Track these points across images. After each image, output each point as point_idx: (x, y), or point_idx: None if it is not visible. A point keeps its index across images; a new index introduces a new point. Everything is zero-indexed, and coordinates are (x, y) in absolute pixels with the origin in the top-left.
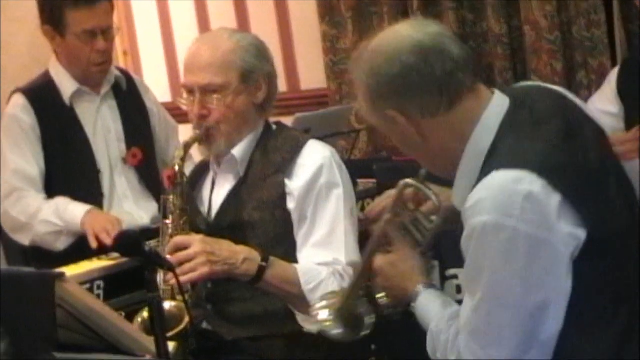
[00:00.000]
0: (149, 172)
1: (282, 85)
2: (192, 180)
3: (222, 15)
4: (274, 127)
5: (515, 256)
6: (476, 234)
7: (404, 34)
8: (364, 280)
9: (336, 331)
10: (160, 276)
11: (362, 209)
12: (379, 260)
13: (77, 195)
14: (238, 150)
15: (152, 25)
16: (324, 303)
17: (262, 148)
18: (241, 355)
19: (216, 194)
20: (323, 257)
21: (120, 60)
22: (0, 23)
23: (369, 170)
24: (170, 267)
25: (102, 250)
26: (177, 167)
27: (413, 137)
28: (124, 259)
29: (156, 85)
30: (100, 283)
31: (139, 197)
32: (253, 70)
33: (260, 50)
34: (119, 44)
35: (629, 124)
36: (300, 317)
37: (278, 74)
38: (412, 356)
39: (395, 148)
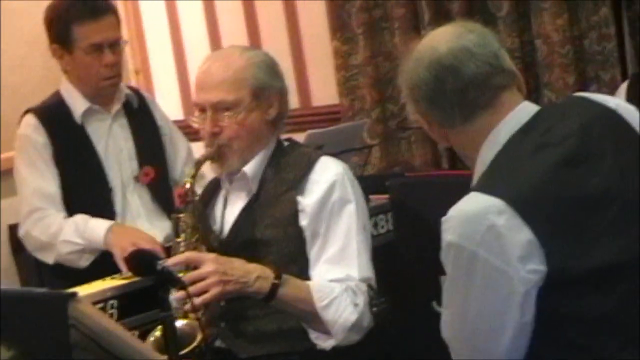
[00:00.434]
0: (161, 190)
1: (294, 102)
2: (204, 198)
3: (234, 33)
4: (286, 143)
5: (474, 278)
6: (444, 250)
7: (433, 44)
8: None
9: None
10: (173, 294)
11: (375, 225)
12: None
13: (90, 213)
14: (250, 168)
15: (163, 44)
16: None
17: (274, 165)
18: None
19: (228, 211)
20: (336, 274)
21: (132, 78)
22: (14, 44)
23: (382, 186)
24: (183, 286)
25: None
26: (188, 185)
27: (440, 138)
28: (137, 278)
29: (168, 103)
30: (114, 302)
31: (152, 216)
32: (265, 87)
33: (271, 67)
34: (131, 63)
35: None
36: (313, 335)
37: (290, 90)
38: None
39: (409, 164)
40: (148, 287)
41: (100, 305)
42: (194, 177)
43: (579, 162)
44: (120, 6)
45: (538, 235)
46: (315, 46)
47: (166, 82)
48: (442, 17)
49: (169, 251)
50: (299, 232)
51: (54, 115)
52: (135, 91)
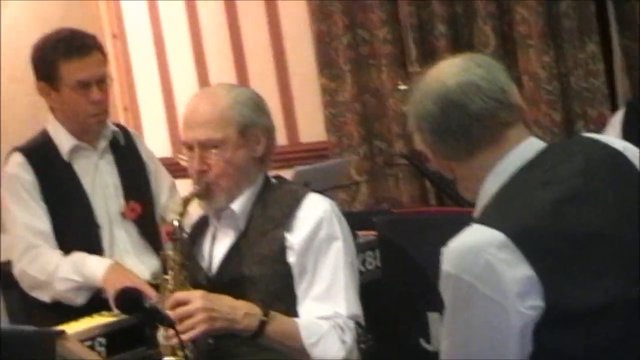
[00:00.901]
0: (148, 226)
1: (281, 139)
2: (192, 235)
3: (222, 70)
4: (274, 180)
5: (473, 309)
6: (443, 280)
7: (441, 77)
8: None
9: None
10: (161, 332)
11: (363, 261)
12: None
13: (78, 250)
14: (238, 205)
15: (151, 81)
16: None
17: (261, 202)
18: None
19: (216, 248)
20: (323, 311)
21: (120, 116)
22: (0, 83)
23: (369, 222)
24: (170, 324)
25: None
26: (175, 223)
27: (444, 169)
28: (125, 315)
29: (156, 141)
30: (102, 340)
31: (141, 252)
32: (251, 125)
33: (258, 105)
34: (119, 100)
35: None
36: None
37: (278, 127)
38: None
39: (396, 200)
40: (136, 324)
41: (89, 342)
42: (182, 214)
43: (581, 201)
44: (108, 44)
45: (537, 270)
46: (302, 83)
47: (154, 120)
48: (428, 54)
49: (157, 288)
50: (286, 270)
51: (41, 153)
52: (122, 128)
